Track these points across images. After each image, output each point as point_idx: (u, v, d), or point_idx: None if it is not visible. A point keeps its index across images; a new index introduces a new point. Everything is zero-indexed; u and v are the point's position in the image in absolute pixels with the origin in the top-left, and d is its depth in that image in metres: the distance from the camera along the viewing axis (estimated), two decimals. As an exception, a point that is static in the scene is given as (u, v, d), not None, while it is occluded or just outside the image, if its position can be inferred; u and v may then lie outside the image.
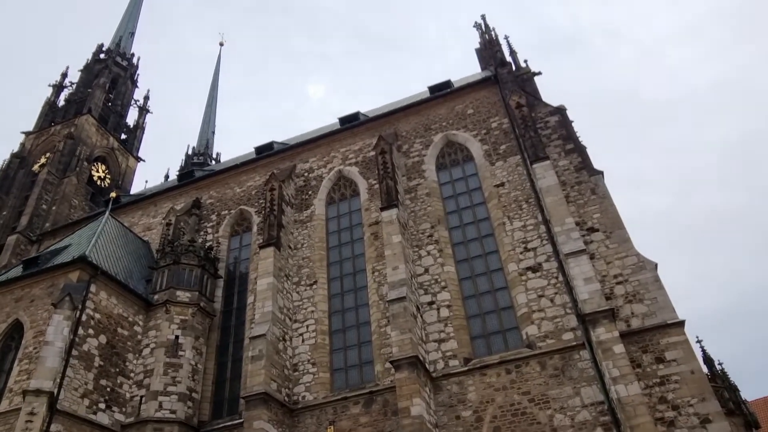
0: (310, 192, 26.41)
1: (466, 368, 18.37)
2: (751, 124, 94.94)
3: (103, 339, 19.91)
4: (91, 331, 19.52)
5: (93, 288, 20.18)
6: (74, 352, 18.48)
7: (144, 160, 43.72)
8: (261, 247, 23.12)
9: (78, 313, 18.93)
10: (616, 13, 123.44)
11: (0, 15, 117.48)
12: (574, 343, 17.50)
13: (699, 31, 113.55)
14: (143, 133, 45.38)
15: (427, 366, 18.42)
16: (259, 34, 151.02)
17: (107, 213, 26.09)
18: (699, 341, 23.68)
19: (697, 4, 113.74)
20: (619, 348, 15.44)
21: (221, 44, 71.79)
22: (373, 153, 25.07)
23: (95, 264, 20.31)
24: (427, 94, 27.44)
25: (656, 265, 18.15)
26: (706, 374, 18.85)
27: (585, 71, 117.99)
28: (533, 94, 24.49)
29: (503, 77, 24.94)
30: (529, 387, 17.37)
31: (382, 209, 21.79)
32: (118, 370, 20.11)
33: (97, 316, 19.99)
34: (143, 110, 46.58)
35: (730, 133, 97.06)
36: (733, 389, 21.99)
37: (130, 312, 21.49)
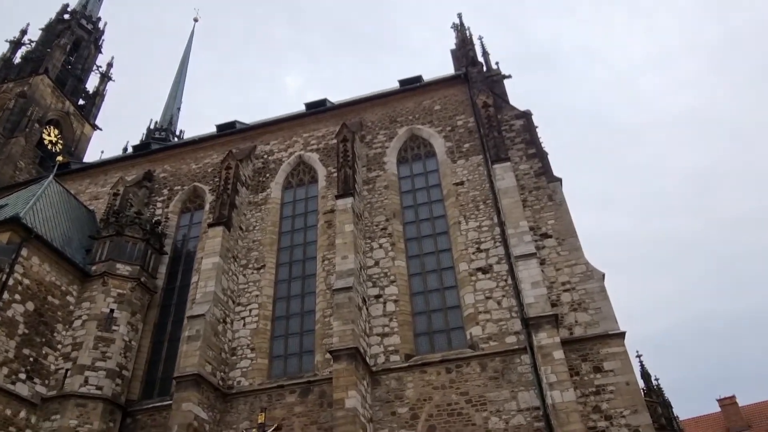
0: (267, 174, 25.72)
1: (406, 364, 18.08)
2: (714, 154, 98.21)
3: (30, 306, 18.83)
4: (17, 296, 18.42)
5: (24, 252, 19.07)
6: (-4, 318, 17.38)
7: (101, 129, 41.96)
8: (210, 225, 22.34)
9: (4, 276, 17.83)
10: (595, 37, 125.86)
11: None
12: (516, 347, 17.40)
13: (672, 62, 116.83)
14: (103, 100, 43.50)
15: (367, 359, 18.06)
16: (241, 19, 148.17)
17: (51, 177, 24.82)
18: (639, 356, 24.16)
19: (671, 35, 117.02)
20: (558, 354, 15.39)
21: (195, 20, 69.78)
22: (335, 141, 24.54)
23: (28, 227, 19.19)
24: (398, 87, 27.06)
25: (603, 275, 18.24)
26: (642, 388, 19.09)
27: (560, 89, 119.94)
28: (501, 96, 24.44)
29: (473, 76, 24.79)
30: (468, 388, 17.19)
31: (338, 197, 21.34)
32: (44, 340, 19.05)
33: (26, 281, 18.89)
34: (105, 77, 44.69)
35: (695, 160, 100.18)
36: (667, 405, 22.43)
37: (64, 281, 20.42)
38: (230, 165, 24.25)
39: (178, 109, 59.43)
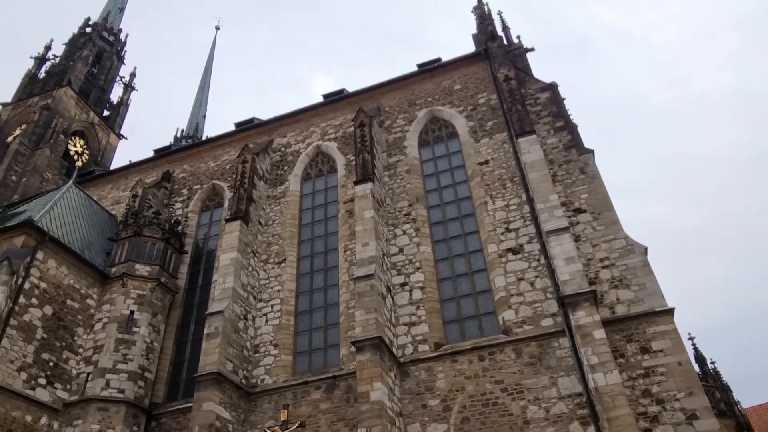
0: (285, 167, 24.98)
1: (436, 354, 16.97)
2: (758, 132, 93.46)
3: (48, 310, 18.49)
4: (34, 300, 18.09)
5: (40, 255, 18.76)
6: (12, 322, 17.07)
7: (126, 138, 42.19)
8: (227, 220, 21.71)
9: (19, 279, 17.51)
10: (627, 20, 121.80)
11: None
12: (554, 330, 16.09)
13: (710, 40, 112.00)
14: (127, 110, 43.79)
15: (394, 350, 17.03)
16: (267, 25, 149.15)
17: (70, 182, 24.69)
18: (691, 338, 22.29)
19: (709, 12, 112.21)
20: (599, 333, 14.02)
21: (217, 28, 70.44)
22: (353, 128, 23.60)
23: (43, 229, 18.88)
24: (416, 70, 25.97)
25: (646, 248, 16.75)
26: (697, 373, 17.42)
27: (593, 77, 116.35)
28: (524, 71, 23.08)
29: (493, 51, 23.51)
30: (503, 376, 15.96)
31: (356, 183, 20.39)
32: (64, 344, 18.69)
33: (43, 285, 18.57)
34: (128, 87, 44.99)
35: (738, 140, 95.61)
36: (726, 389, 20.58)
37: (83, 284, 20.06)
38: (246, 159, 23.61)
39: (203, 116, 59.83)
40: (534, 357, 15.96)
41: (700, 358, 21.56)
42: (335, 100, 26.17)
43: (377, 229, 19.05)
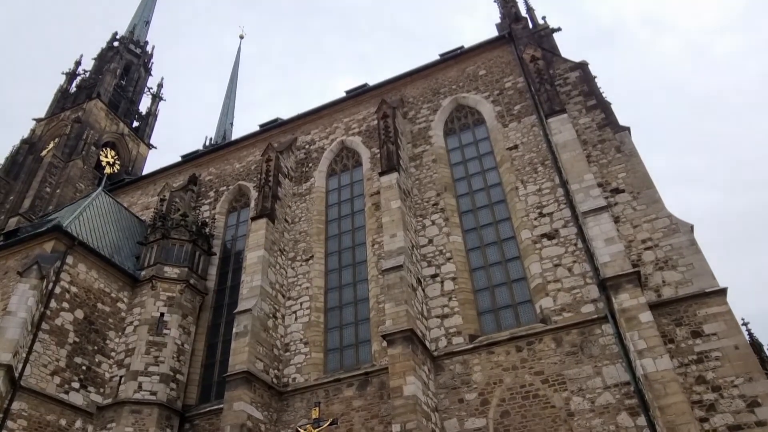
0: (310, 164, 24.64)
1: (471, 346, 16.23)
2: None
3: (80, 314, 18.50)
4: (65, 305, 18.12)
5: (70, 260, 18.82)
6: (44, 326, 17.11)
7: (155, 147, 42.88)
8: (253, 218, 21.43)
9: (49, 284, 17.55)
10: (660, 4, 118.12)
11: (24, 7, 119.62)
12: (595, 317, 15.18)
13: (746, 23, 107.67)
14: (156, 120, 44.54)
15: (427, 343, 16.37)
16: (292, 35, 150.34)
17: (99, 189, 24.91)
18: (745, 323, 20.89)
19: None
20: (645, 316, 13.06)
21: (241, 37, 71.72)
22: (376, 120, 23.10)
23: (72, 234, 18.94)
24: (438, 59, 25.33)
25: (692, 227, 15.68)
26: (754, 355, 16.16)
27: (628, 64, 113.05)
28: (552, 51, 22.17)
29: (518, 33, 22.69)
30: (543, 366, 15.12)
31: (381, 174, 19.83)
32: (96, 348, 18.67)
33: (74, 289, 18.59)
34: (156, 97, 45.78)
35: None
36: (786, 376, 19.09)
37: (114, 288, 20.07)
38: (270, 157, 23.35)
39: (231, 123, 60.49)
40: (575, 346, 15.07)
41: (755, 345, 20.19)
42: (357, 94, 25.74)
43: (404, 220, 18.45)
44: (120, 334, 19.58)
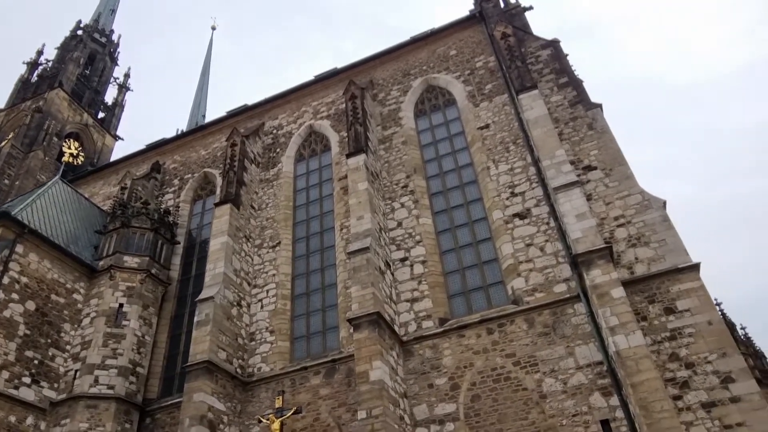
0: (278, 149, 23.84)
1: (441, 329, 15.69)
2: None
3: (31, 305, 17.52)
4: (15, 296, 17.13)
5: (20, 249, 17.81)
6: (-10, 318, 16.10)
7: (122, 139, 41.41)
8: (216, 204, 20.61)
9: (-5, 274, 16.56)
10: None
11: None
12: (568, 296, 14.76)
13: (723, 16, 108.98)
14: (122, 111, 43.03)
15: (396, 328, 15.79)
16: (273, 32, 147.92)
17: (56, 177, 23.81)
18: (718, 303, 20.67)
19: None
20: (617, 292, 12.64)
21: (213, 28, 69.76)
22: (344, 101, 22.37)
23: (22, 222, 17.93)
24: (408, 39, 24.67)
25: (664, 202, 15.32)
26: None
27: (605, 60, 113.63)
28: (523, 29, 21.67)
29: (488, 12, 22.15)
30: (514, 348, 14.64)
31: (348, 155, 19.15)
32: (50, 341, 17.70)
33: (24, 279, 17.60)
34: (123, 88, 44.24)
35: (758, 117, 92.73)
36: (759, 356, 19.02)
37: (69, 278, 19.08)
38: (235, 142, 22.51)
39: (203, 116, 58.96)
40: (548, 326, 14.61)
41: (729, 325, 19.96)
42: (326, 77, 24.99)
43: (372, 202, 17.81)
44: (76, 326, 18.62)
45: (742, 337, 19.55)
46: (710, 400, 12.04)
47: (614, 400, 12.84)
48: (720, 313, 20.34)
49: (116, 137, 41.20)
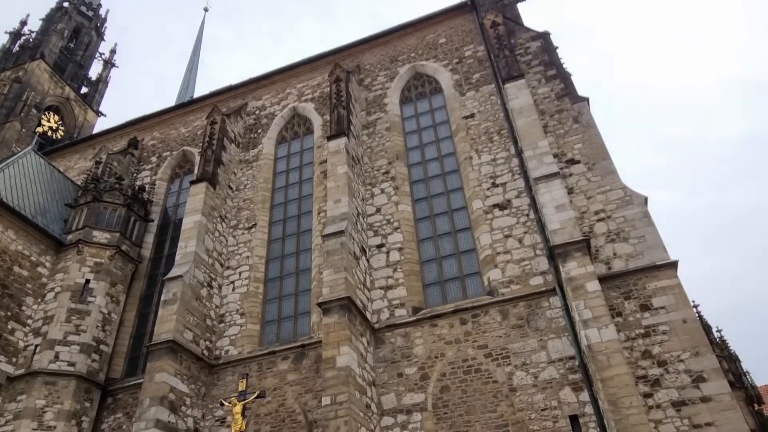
0: (259, 130, 23.31)
1: (413, 318, 15.34)
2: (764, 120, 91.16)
3: (-9, 277, 16.90)
4: (-26, 266, 16.51)
5: (-17, 218, 17.15)
6: (-54, 288, 15.47)
7: (105, 115, 40.51)
8: (192, 182, 20.05)
9: (-46, 241, 15.92)
10: (626, 6, 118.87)
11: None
12: (544, 289, 14.46)
13: (714, 28, 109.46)
14: (106, 87, 42.09)
15: (368, 315, 15.44)
16: (267, 17, 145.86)
17: (29, 147, 23.12)
18: (695, 305, 20.55)
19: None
20: (593, 285, 12.37)
21: (206, 9, 68.43)
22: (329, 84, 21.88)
23: (-14, 190, 17.28)
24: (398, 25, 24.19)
25: (646, 199, 15.07)
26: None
27: (593, 67, 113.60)
28: (514, 20, 21.29)
29: (480, 0, 21.74)
30: (487, 340, 14.34)
31: (329, 138, 18.70)
32: (10, 314, 17.11)
33: (-15, 249, 16.98)
34: (108, 63, 43.20)
35: (745, 128, 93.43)
36: (734, 359, 18.93)
37: (35, 251, 18.47)
38: (215, 120, 21.93)
39: (191, 97, 58.00)
40: (522, 319, 14.32)
41: (704, 327, 19.85)
42: (313, 59, 24.45)
43: (351, 186, 17.40)
44: (39, 300, 18.03)
45: (718, 339, 19.45)
46: (681, 399, 11.82)
47: (584, 396, 12.58)
48: (696, 312, 20.30)
49: (99, 113, 40.29)
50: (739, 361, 18.88)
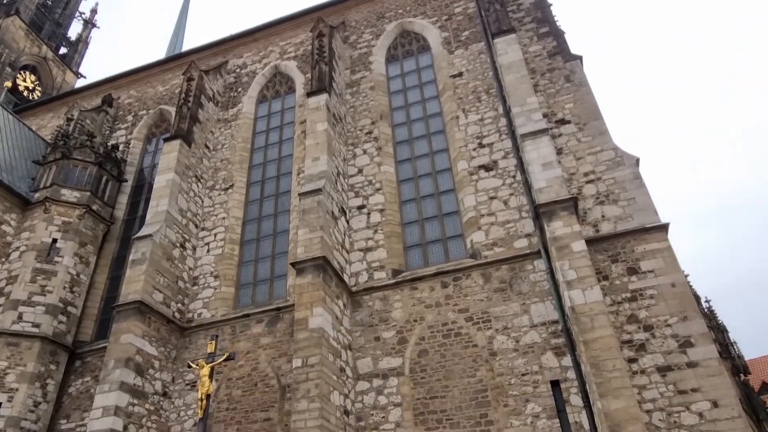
0: (239, 89, 22.32)
1: (393, 281, 14.73)
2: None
3: (-49, 234, 16.08)
4: (-69, 221, 15.66)
5: (-59, 171, 16.24)
6: None
7: (84, 77, 39.01)
8: (165, 140, 19.15)
9: None
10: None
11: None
12: (528, 252, 13.85)
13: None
14: (86, 48, 40.60)
15: (346, 277, 14.81)
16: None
17: (-4, 103, 21.98)
18: (686, 276, 20.06)
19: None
20: (578, 245, 11.75)
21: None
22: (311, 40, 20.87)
23: (-56, 141, 16.33)
24: (386, -17, 23.08)
25: (637, 159, 14.40)
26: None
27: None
28: (507, -24, 20.28)
29: (472, -46, 20.65)
30: (468, 303, 13.76)
31: (309, 94, 17.81)
32: (-29, 273, 16.33)
33: (-56, 204, 16.11)
34: (88, 23, 41.66)
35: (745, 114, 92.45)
36: (722, 329, 18.52)
37: (-1, 209, 17.61)
38: (192, 76, 20.93)
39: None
40: (504, 282, 13.73)
41: (693, 297, 19.42)
42: (297, 15, 23.33)
43: (331, 144, 16.59)
44: (3, 260, 17.24)
45: (706, 310, 19.03)
46: (666, 364, 11.33)
47: (567, 361, 12.07)
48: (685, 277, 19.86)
49: (78, 74, 38.87)
50: (727, 331, 18.50)
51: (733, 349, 17.97)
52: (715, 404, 10.59)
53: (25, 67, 34.93)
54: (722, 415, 10.48)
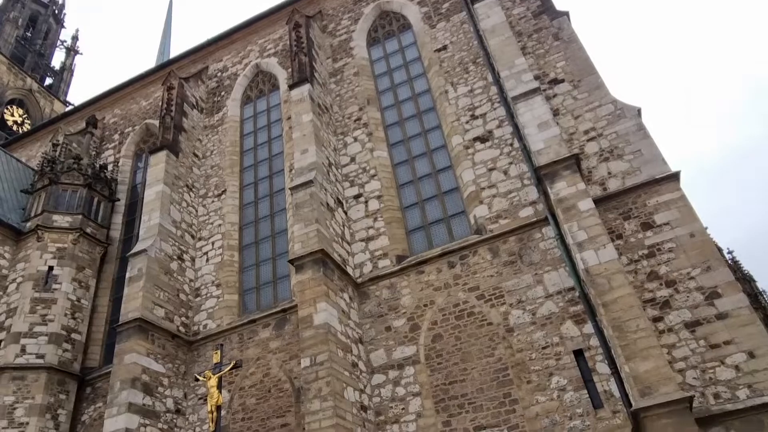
0: (223, 93, 21.77)
1: (398, 267, 14.11)
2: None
3: (-56, 272, 15.68)
4: None
5: (-73, 210, 15.86)
6: None
7: (73, 104, 38.69)
8: (151, 152, 18.66)
9: None
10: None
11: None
12: (534, 219, 13.17)
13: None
14: (72, 75, 40.45)
15: (349, 270, 14.23)
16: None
17: (-20, 137, 21.60)
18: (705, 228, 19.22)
19: None
20: (585, 204, 11.06)
21: (172, -11, 66.05)
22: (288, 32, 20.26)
23: (-74, 179, 15.94)
24: (359, -34, 22.39)
25: (639, 110, 13.67)
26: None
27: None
28: (482, -58, 19.51)
29: (442, -77, 19.90)
30: (478, 281, 13.11)
31: (291, 87, 17.21)
32: (-30, 310, 15.94)
33: (-67, 243, 15.72)
34: (71, 51, 41.51)
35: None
36: (748, 280, 17.68)
37: (-9, 242, 17.21)
38: (172, 85, 20.41)
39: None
40: (513, 254, 13.07)
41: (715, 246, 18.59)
42: (273, 11, 22.70)
43: (318, 135, 15.98)
44: (1, 293, 16.83)
45: (730, 261, 18.19)
46: (694, 319, 10.61)
47: (588, 328, 11.39)
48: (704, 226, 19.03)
49: (66, 103, 38.63)
50: (754, 281, 17.67)
51: (763, 298, 17.15)
52: (751, 355, 9.87)
53: (11, 102, 34.76)
54: (760, 365, 9.76)
